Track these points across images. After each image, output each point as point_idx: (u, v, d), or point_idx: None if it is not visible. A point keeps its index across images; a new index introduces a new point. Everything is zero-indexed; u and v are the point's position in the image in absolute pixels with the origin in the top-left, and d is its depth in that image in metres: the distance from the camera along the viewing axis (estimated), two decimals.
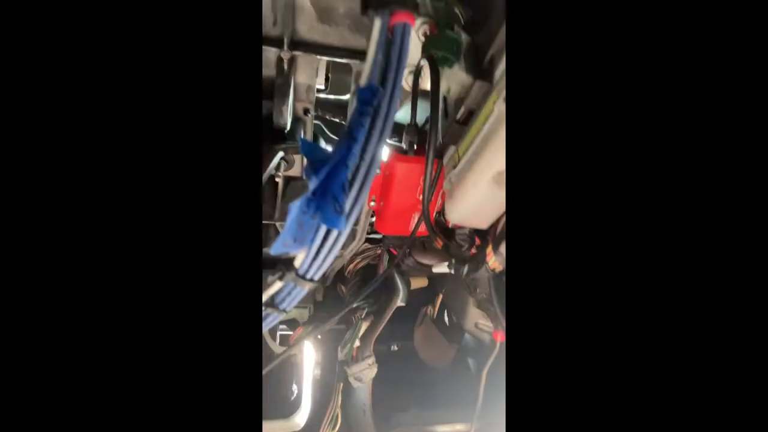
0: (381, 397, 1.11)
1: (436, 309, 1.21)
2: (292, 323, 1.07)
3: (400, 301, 0.98)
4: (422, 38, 0.74)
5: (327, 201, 0.46)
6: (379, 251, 1.14)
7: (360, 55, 0.99)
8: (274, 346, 1.06)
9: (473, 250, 0.82)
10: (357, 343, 0.99)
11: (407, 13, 0.65)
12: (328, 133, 1.29)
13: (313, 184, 0.47)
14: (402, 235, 0.97)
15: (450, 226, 0.79)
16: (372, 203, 0.98)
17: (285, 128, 1.00)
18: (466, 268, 0.68)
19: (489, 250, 0.59)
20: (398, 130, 1.01)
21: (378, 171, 0.92)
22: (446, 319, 1.20)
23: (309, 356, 1.25)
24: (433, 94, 0.66)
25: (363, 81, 0.63)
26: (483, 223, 0.78)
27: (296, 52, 0.96)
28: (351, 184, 0.50)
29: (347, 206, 0.49)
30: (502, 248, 0.55)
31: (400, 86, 0.60)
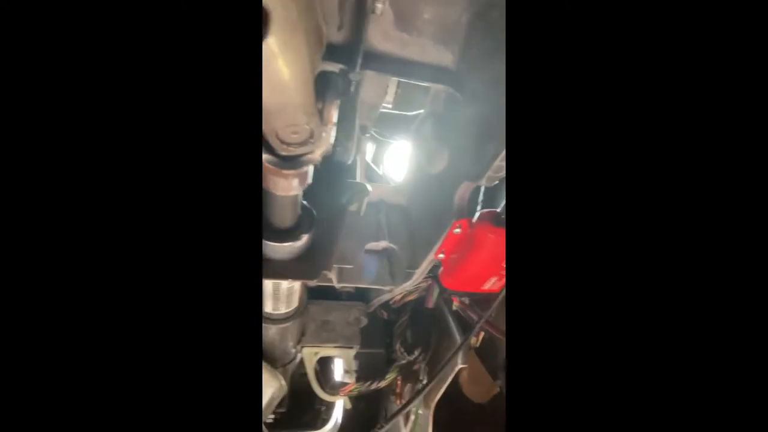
0: None
1: (480, 338, 1.13)
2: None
3: (461, 363, 0.90)
4: None
5: None
6: (428, 284, 1.04)
7: (442, 74, 0.79)
8: (319, 391, 0.99)
9: None
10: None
11: None
12: None
13: None
14: (469, 291, 0.87)
15: None
16: (441, 255, 0.86)
17: (347, 163, 0.83)
18: None
19: None
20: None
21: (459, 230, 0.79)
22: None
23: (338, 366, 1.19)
24: None
25: None
26: None
27: (368, 71, 0.75)
28: None
29: None
30: None
31: None
